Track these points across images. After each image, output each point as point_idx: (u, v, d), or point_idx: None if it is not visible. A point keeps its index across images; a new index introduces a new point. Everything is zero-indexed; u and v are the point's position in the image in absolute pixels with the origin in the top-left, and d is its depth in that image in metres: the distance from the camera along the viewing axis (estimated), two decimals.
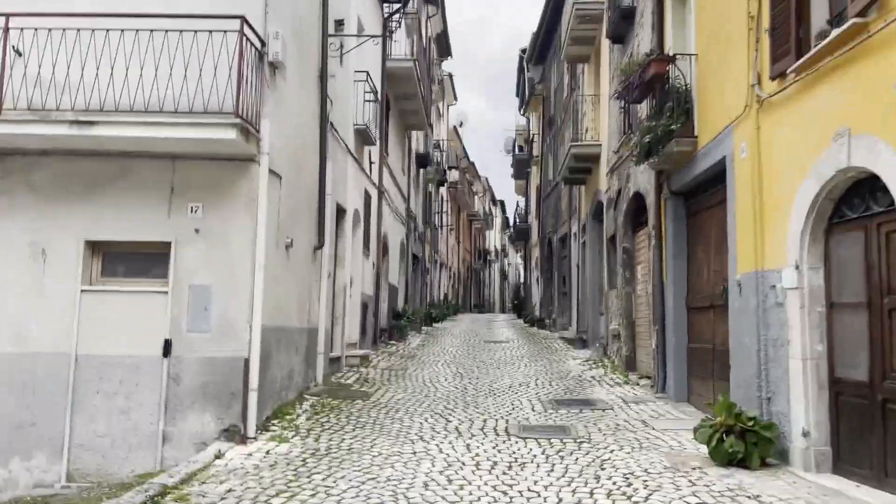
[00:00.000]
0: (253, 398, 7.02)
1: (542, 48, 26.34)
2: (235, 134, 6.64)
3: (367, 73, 12.75)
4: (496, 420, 8.15)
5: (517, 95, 36.04)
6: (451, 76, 33.31)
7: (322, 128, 9.82)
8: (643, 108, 10.66)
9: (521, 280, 58.75)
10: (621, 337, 12.51)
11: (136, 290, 7.23)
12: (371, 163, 14.64)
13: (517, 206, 38.23)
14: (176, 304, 7.12)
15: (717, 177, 7.96)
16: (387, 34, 15.51)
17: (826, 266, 5.87)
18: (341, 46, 11.54)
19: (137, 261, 7.37)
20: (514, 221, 36.85)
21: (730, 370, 7.30)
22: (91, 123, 6.63)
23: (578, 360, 14.12)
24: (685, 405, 8.91)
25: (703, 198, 8.74)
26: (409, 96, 18.05)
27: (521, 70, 32.63)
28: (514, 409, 8.91)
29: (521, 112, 33.58)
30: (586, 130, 16.73)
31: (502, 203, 64.81)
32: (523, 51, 30.89)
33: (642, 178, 10.95)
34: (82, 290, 7.17)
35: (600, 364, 13.06)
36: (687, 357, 9.14)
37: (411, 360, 13.75)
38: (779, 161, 6.35)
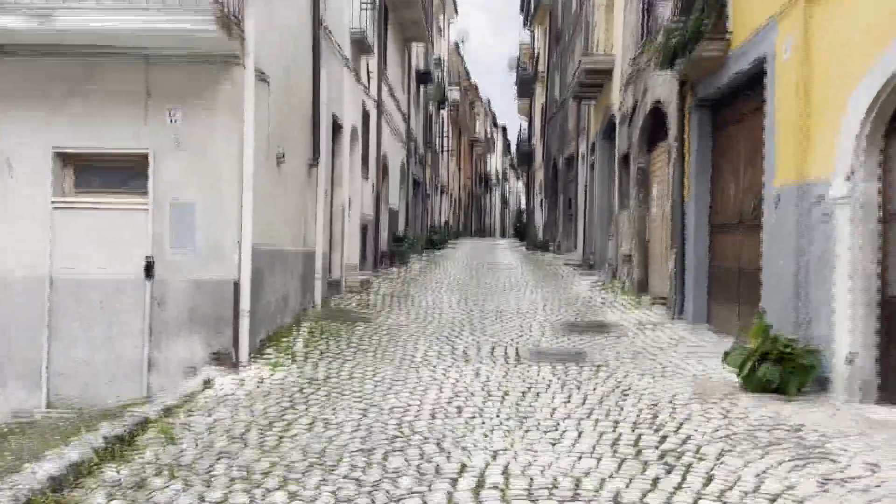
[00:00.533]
0: (244, 322, 6.49)
1: None
2: (215, 27, 5.85)
3: None
4: (505, 345, 7.67)
5: (521, 10, 34.44)
6: None
7: (315, 29, 8.95)
8: (667, 11, 9.75)
9: (523, 206, 57.90)
10: (633, 260, 11.97)
11: (113, 206, 6.57)
12: (369, 76, 13.74)
13: (520, 128, 37.15)
14: (157, 222, 6.49)
15: (753, 81, 7.21)
16: None
17: (884, 174, 5.21)
18: None
19: (114, 173, 6.68)
20: (517, 144, 35.84)
21: (760, 292, 6.75)
22: (50, 13, 5.82)
23: (586, 284, 13.63)
24: (705, 329, 8.43)
25: (733, 107, 7.99)
26: (408, 4, 16.89)
27: None
28: (523, 333, 8.43)
29: (526, 27, 32.08)
30: (597, 43, 15.72)
31: (503, 127, 63.39)
32: None
33: (662, 90, 10.13)
34: (54, 206, 6.52)
35: (610, 288, 12.57)
36: (708, 279, 8.59)
37: (413, 285, 13.26)
38: (832, 56, 5.59)
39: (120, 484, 3.87)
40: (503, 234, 61.13)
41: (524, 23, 33.63)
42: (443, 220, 33.57)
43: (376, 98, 14.48)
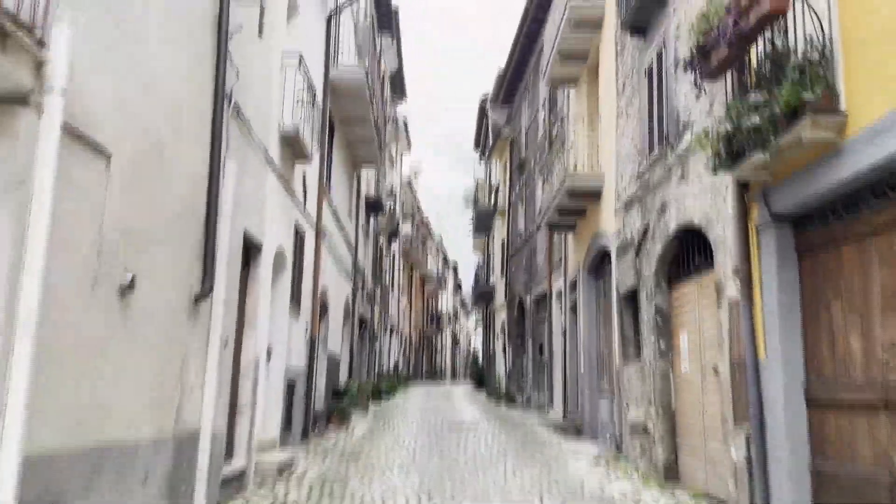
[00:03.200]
0: None
1: (509, 87, 23.53)
2: None
3: (301, 57, 9.16)
4: None
5: (476, 148, 33.23)
6: (405, 120, 30.23)
7: (217, 104, 6.12)
8: (699, 102, 7.37)
9: (474, 346, 54.76)
10: (652, 431, 8.87)
11: None
12: (305, 191, 10.96)
13: (477, 265, 34.81)
14: None
15: (887, 180, 4.64)
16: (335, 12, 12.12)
17: None
18: (262, 13, 8.03)
19: None
20: (475, 281, 33.34)
21: None
22: None
23: (582, 458, 10.36)
24: None
25: (842, 222, 5.33)
26: (359, 120, 14.57)
27: (482, 116, 29.87)
28: None
29: (483, 160, 30.56)
30: (574, 167, 13.40)
31: (455, 265, 61.58)
32: (485, 95, 28.24)
33: (697, 204, 7.55)
34: None
35: (618, 467, 9.35)
36: (814, 485, 5.52)
37: (354, 464, 9.76)
38: None
39: None
40: (454, 376, 57.56)
41: (480, 159, 32.29)
42: (392, 364, 30.09)
43: (315, 219, 11.64)
